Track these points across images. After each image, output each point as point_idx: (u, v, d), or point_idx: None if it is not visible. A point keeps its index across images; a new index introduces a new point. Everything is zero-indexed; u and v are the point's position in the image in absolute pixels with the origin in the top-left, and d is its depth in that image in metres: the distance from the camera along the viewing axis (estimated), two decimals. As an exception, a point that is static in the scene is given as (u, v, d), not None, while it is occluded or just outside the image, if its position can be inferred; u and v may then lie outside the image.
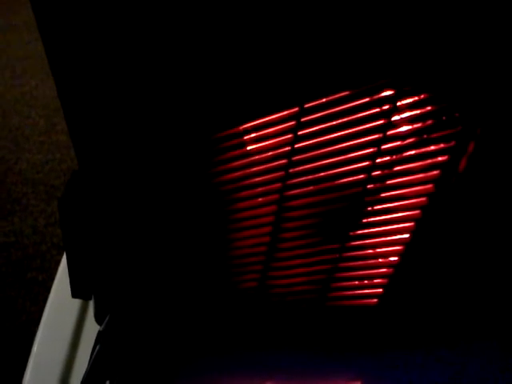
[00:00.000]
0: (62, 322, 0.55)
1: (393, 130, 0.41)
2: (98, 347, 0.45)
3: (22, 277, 1.49)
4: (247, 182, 0.42)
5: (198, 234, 0.46)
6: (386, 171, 0.42)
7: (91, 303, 0.55)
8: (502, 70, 0.39)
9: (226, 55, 0.35)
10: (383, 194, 0.44)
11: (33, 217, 1.70)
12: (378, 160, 0.42)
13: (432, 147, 0.42)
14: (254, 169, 0.41)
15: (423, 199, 0.43)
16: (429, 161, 0.42)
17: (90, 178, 0.48)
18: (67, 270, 0.60)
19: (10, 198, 1.79)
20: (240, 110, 0.39)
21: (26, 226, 1.67)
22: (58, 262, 1.50)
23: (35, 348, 0.52)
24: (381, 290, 0.48)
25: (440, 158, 0.42)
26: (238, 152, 0.41)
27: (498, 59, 0.39)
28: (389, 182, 0.43)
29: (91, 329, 0.54)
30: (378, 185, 0.43)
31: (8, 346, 1.27)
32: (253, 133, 0.40)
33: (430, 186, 0.43)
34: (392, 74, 0.39)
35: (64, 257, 0.80)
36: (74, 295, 0.53)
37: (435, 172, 0.42)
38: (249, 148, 0.40)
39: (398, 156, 0.42)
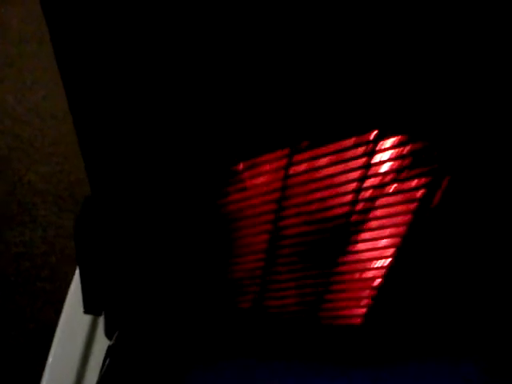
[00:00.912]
0: (74, 335, 0.60)
1: (375, 167, 0.46)
2: (107, 361, 0.49)
3: (31, 286, 1.54)
4: (245, 213, 0.47)
5: (202, 256, 0.51)
6: (369, 204, 0.47)
7: (101, 318, 0.59)
8: (474, 114, 0.44)
9: (227, 108, 0.40)
10: (367, 225, 0.48)
11: (42, 228, 1.76)
12: (362, 194, 0.46)
13: (410, 183, 0.46)
14: (251, 202, 0.46)
15: (403, 229, 0.48)
16: (407, 195, 0.47)
17: (102, 203, 0.53)
18: (79, 286, 0.65)
19: (19, 208, 1.85)
20: (240, 151, 0.44)
21: (36, 237, 1.72)
22: (66, 273, 1.55)
23: (50, 360, 0.57)
24: (364, 310, 0.53)
25: (417, 193, 0.47)
26: (238, 186, 0.46)
27: (471, 103, 0.43)
28: (372, 213, 0.48)
29: (102, 343, 0.59)
30: (361, 216, 0.48)
31: (17, 353, 1.32)
32: (250, 170, 0.45)
33: (408, 216, 0.47)
34: (375, 119, 0.44)
35: (76, 273, 0.85)
36: (87, 311, 0.58)
37: (413, 204, 0.47)
38: (247, 183, 0.45)
39: (380, 191, 0.47)
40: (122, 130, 0.47)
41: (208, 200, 0.46)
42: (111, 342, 0.51)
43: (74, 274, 1.51)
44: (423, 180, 0.46)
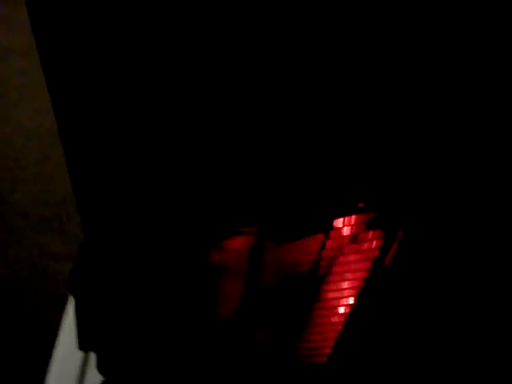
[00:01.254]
0: (68, 370, 0.66)
1: (335, 231, 0.54)
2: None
3: (18, 308, 1.58)
4: (225, 270, 0.54)
5: (189, 301, 0.58)
6: (330, 262, 0.55)
7: (94, 354, 0.65)
8: (418, 188, 0.52)
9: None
10: (329, 278, 0.56)
11: (27, 248, 1.80)
12: (324, 255, 0.54)
13: (365, 245, 0.54)
14: (229, 264, 0.53)
15: (359, 283, 0.56)
16: (363, 255, 0.55)
17: (95, 250, 0.60)
18: (71, 323, 0.71)
19: (4, 228, 1.89)
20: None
21: (21, 258, 1.76)
22: (51, 295, 1.60)
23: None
24: (329, 350, 0.60)
25: (371, 254, 0.55)
26: (217, 251, 0.53)
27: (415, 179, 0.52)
28: (334, 269, 0.56)
29: (95, 378, 0.65)
30: (325, 272, 0.55)
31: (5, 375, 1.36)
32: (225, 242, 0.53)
33: (364, 274, 0.55)
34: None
35: (68, 308, 0.91)
36: (81, 348, 0.64)
37: (368, 263, 0.55)
38: (224, 250, 0.52)
39: (340, 251, 0.55)
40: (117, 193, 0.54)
41: (194, 257, 0.54)
42: (104, 379, 0.58)
43: (61, 300, 1.56)
44: (375, 243, 0.54)
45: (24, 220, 1.92)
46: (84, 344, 0.63)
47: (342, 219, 0.53)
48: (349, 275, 0.56)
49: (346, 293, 0.57)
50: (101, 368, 0.61)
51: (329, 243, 0.54)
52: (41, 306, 1.59)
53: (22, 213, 1.96)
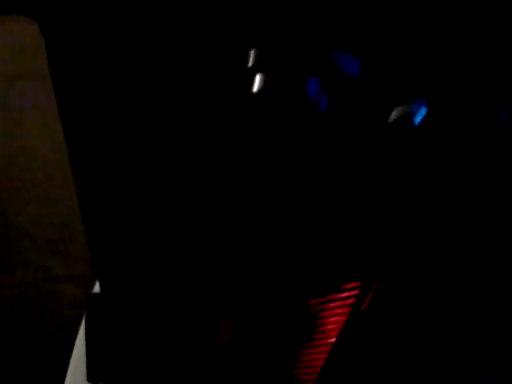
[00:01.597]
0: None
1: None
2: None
3: (24, 329, 1.66)
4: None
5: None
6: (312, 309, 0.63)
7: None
8: (389, 246, 0.60)
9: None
10: (317, 321, 0.64)
11: (33, 270, 1.88)
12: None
13: (344, 294, 0.63)
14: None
15: (339, 326, 0.64)
16: (341, 302, 0.63)
17: (110, 299, 0.68)
18: (80, 354, 0.79)
19: (11, 251, 1.97)
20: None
21: (28, 280, 1.84)
22: (56, 316, 1.67)
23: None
24: (315, 376, 0.69)
25: (348, 301, 0.63)
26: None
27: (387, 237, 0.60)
28: (317, 314, 0.64)
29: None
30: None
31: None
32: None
33: (343, 317, 0.64)
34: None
35: (78, 340, 0.98)
36: (90, 380, 0.72)
37: (345, 309, 0.63)
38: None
39: (321, 299, 0.63)
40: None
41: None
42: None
43: (65, 320, 1.64)
44: (352, 292, 0.62)
45: (30, 242, 2.00)
46: (93, 376, 0.70)
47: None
48: (331, 318, 0.64)
49: (328, 333, 0.65)
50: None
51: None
52: (46, 325, 1.66)
53: (28, 235, 2.03)
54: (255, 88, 0.37)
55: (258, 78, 0.36)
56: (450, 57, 0.37)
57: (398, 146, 0.40)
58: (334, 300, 0.63)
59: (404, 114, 0.37)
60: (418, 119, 0.38)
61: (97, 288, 0.74)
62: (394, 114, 0.37)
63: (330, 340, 0.66)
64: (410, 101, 0.37)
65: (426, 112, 0.37)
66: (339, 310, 0.64)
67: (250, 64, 0.36)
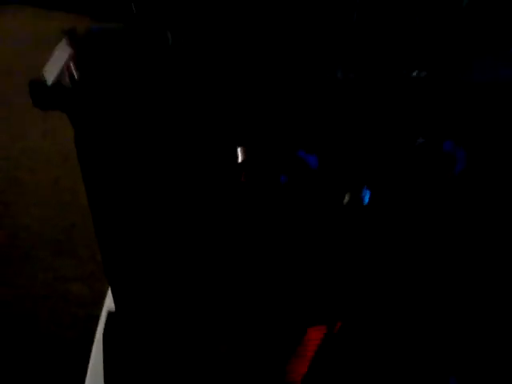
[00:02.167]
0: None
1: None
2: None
3: (34, 328, 1.77)
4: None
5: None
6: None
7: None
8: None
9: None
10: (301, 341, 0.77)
11: (42, 271, 1.99)
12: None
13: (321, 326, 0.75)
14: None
15: (317, 343, 0.77)
16: (319, 328, 0.76)
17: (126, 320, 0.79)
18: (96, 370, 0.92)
19: (20, 252, 2.08)
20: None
21: (37, 280, 1.96)
22: (66, 313, 1.79)
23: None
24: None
25: (320, 335, 0.75)
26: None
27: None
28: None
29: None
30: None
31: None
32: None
33: (319, 340, 0.76)
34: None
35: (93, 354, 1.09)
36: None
37: (321, 333, 0.76)
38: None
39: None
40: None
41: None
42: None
43: (73, 319, 1.76)
44: (323, 328, 0.75)
45: (38, 243, 2.11)
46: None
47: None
48: (307, 348, 0.77)
49: (304, 360, 0.78)
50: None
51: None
52: (56, 324, 1.78)
53: (35, 236, 2.15)
54: (242, 178, 0.48)
55: (244, 170, 0.47)
56: (385, 155, 0.48)
57: (353, 218, 0.52)
58: (315, 329, 0.76)
59: (356, 197, 0.49)
60: (366, 200, 0.49)
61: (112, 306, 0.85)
62: (347, 197, 0.49)
63: (310, 354, 0.79)
64: (360, 188, 0.48)
65: (370, 196, 0.49)
66: (317, 334, 0.76)
67: (239, 161, 0.47)
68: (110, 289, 1.14)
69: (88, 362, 1.03)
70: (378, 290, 0.63)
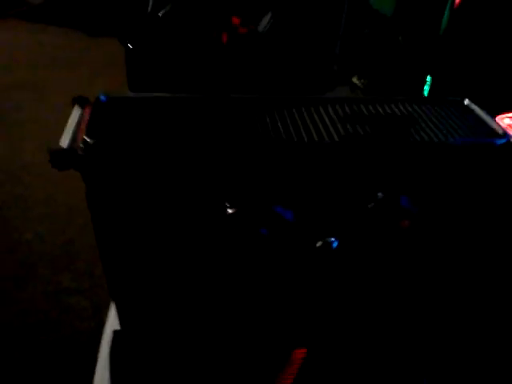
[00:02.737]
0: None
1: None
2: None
3: (37, 339, 1.86)
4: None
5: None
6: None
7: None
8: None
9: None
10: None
11: (43, 285, 2.08)
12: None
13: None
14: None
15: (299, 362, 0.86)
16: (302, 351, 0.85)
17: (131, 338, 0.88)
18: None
19: (21, 267, 2.16)
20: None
21: (38, 293, 2.04)
22: (68, 325, 1.87)
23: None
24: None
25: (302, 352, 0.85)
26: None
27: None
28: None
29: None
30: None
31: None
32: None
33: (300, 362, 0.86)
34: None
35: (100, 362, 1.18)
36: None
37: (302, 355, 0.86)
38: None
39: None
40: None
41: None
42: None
43: (75, 332, 1.84)
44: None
45: (38, 258, 2.20)
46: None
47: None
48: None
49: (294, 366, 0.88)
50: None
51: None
52: (60, 336, 1.87)
53: (35, 252, 2.23)
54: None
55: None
56: (350, 209, 0.58)
57: (324, 259, 0.61)
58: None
59: (326, 242, 0.59)
60: (334, 245, 0.59)
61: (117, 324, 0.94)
62: (319, 243, 0.59)
63: (294, 370, 0.89)
64: (328, 236, 0.58)
65: (337, 243, 0.59)
66: (300, 355, 0.86)
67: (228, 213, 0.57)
68: (111, 306, 1.24)
69: (92, 373, 1.12)
70: (348, 315, 0.73)
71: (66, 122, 0.67)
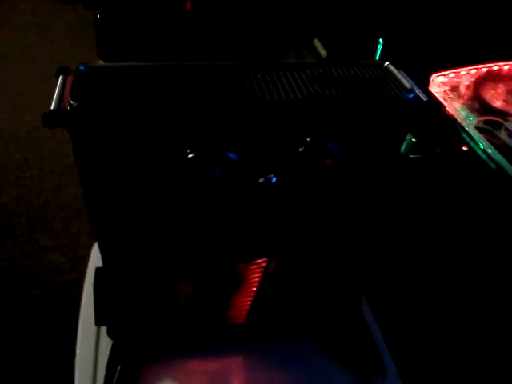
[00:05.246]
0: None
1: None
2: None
3: (19, 293, 1.99)
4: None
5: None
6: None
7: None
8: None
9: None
10: (244, 279, 1.03)
11: (22, 244, 2.20)
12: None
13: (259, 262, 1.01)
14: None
15: (258, 280, 1.03)
16: (258, 265, 1.02)
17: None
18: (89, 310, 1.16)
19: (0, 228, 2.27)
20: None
21: (18, 252, 2.16)
22: (48, 281, 2.01)
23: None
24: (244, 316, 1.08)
25: (262, 265, 1.01)
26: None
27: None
28: (245, 274, 1.03)
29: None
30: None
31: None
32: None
33: (260, 274, 1.02)
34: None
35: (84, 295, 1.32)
36: (98, 323, 1.09)
37: (261, 269, 1.02)
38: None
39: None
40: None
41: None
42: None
43: (56, 285, 1.98)
44: (264, 261, 1.01)
45: (15, 220, 2.30)
46: (100, 321, 1.07)
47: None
48: (252, 278, 1.03)
49: (252, 285, 1.04)
50: (110, 334, 1.06)
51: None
52: (39, 289, 2.00)
53: (13, 214, 2.33)
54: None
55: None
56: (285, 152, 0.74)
57: (266, 192, 0.78)
58: (255, 264, 1.02)
59: (267, 178, 0.75)
60: (273, 181, 0.75)
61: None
62: (261, 179, 0.74)
63: (253, 289, 1.06)
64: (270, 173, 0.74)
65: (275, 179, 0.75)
66: (258, 270, 1.03)
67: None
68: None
69: (77, 320, 1.27)
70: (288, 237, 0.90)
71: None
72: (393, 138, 0.81)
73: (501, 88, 1.55)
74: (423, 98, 0.82)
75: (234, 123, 0.73)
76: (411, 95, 0.81)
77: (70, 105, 0.71)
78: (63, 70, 0.79)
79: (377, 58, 2.29)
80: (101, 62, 1.13)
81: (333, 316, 1.14)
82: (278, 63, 0.87)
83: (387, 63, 0.89)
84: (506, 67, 1.64)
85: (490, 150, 1.44)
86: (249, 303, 1.08)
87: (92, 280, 1.06)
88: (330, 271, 1.03)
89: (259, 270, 1.02)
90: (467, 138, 1.50)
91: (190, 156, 0.72)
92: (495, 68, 1.63)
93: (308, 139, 0.73)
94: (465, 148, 1.61)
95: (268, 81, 0.80)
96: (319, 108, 0.74)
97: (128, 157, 0.75)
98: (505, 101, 1.51)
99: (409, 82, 0.85)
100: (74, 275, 2.07)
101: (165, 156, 0.74)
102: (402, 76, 0.87)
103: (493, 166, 1.52)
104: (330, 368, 1.12)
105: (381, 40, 2.27)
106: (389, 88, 0.83)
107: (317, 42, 2.43)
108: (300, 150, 0.73)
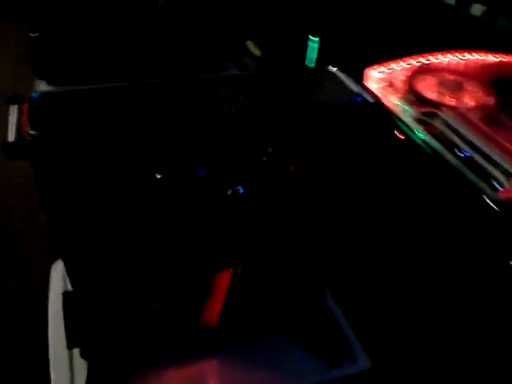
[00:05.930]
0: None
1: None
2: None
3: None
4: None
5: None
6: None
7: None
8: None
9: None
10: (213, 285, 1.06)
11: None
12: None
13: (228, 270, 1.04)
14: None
15: (227, 284, 1.06)
16: (227, 273, 1.05)
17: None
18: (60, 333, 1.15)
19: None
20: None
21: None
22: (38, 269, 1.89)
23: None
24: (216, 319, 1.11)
25: (230, 272, 1.05)
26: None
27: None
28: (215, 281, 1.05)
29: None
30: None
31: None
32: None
33: (228, 280, 1.05)
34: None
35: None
36: (69, 347, 1.07)
37: (229, 275, 1.05)
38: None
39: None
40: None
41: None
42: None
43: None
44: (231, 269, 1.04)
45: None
46: (72, 344, 1.07)
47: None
48: (221, 284, 1.06)
49: (222, 288, 1.07)
50: (84, 355, 1.06)
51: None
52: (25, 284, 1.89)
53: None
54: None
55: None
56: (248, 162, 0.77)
57: (234, 203, 0.81)
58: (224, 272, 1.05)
59: (234, 190, 0.78)
60: (241, 191, 0.78)
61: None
62: (229, 191, 0.78)
63: (223, 292, 1.09)
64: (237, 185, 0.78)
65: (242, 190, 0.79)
66: (226, 276, 1.06)
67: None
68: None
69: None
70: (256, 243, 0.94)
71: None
72: (346, 139, 0.87)
73: (433, 80, 1.66)
74: (370, 99, 0.88)
75: (199, 140, 0.75)
76: (359, 98, 0.87)
77: (31, 135, 0.70)
78: (16, 99, 0.77)
79: (315, 55, 2.34)
80: (42, 82, 1.10)
81: (300, 310, 1.19)
82: (228, 76, 0.91)
83: (335, 69, 0.95)
84: (436, 61, 1.74)
85: (427, 138, 1.54)
86: (220, 306, 1.11)
87: (58, 305, 1.05)
88: (294, 269, 1.07)
89: (227, 275, 1.06)
90: (405, 128, 1.59)
91: (158, 177, 0.74)
92: (427, 62, 1.74)
93: (270, 149, 0.77)
94: (402, 137, 1.70)
95: (223, 95, 0.83)
96: (276, 118, 0.78)
97: (94, 182, 0.75)
98: (438, 92, 1.61)
99: (356, 85, 0.91)
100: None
101: (132, 179, 0.76)
102: (349, 80, 0.92)
103: (429, 151, 1.62)
104: (302, 359, 1.17)
105: (317, 39, 2.32)
106: (338, 93, 0.89)
107: (250, 44, 2.45)
108: (263, 159, 0.76)
